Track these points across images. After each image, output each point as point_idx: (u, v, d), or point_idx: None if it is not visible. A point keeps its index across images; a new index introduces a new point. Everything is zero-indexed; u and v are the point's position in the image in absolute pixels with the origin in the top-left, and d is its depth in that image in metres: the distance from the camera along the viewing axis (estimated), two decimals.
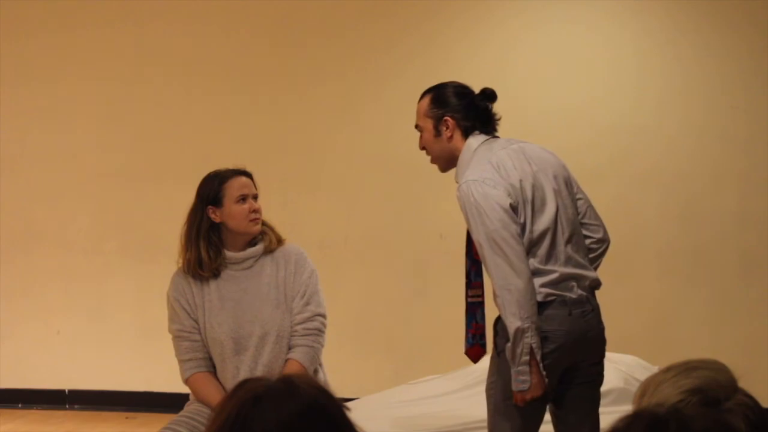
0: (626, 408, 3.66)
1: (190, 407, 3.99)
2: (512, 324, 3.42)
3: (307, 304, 3.96)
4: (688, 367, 1.85)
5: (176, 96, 6.78)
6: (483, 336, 3.73)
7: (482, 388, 5.13)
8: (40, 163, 6.96)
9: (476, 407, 4.85)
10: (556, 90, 6.37)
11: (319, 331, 3.97)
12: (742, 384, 1.76)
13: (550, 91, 6.37)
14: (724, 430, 1.55)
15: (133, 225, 6.82)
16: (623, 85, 6.35)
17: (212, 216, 3.92)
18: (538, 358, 3.44)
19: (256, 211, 3.95)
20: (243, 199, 3.93)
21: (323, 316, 3.99)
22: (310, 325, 3.95)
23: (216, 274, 3.94)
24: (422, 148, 3.74)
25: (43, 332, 6.93)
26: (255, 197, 3.97)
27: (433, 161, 3.76)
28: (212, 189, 3.94)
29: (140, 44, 6.82)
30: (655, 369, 4.13)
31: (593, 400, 3.67)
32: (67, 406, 6.90)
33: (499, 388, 3.58)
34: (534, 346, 3.42)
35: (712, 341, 6.12)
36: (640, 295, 6.31)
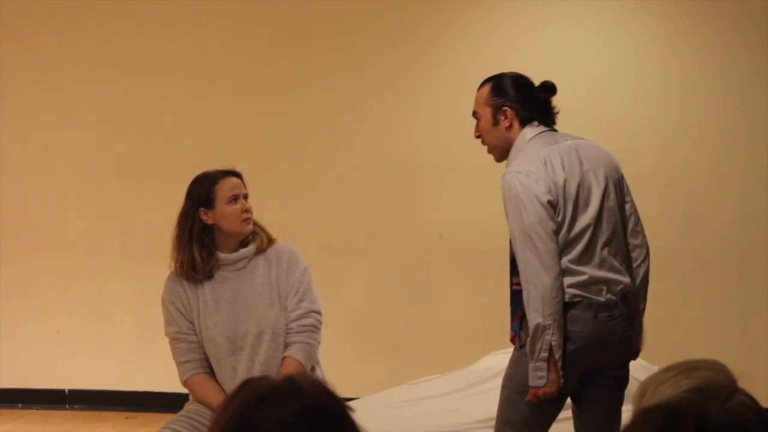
0: (626, 408, 3.65)
1: (190, 407, 4.00)
2: (533, 319, 3.42)
3: (301, 301, 3.96)
4: (687, 367, 1.85)
5: (176, 96, 6.78)
6: None
7: (482, 387, 5.14)
8: (40, 163, 6.96)
9: (476, 407, 4.86)
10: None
11: (315, 328, 3.97)
12: (742, 384, 1.76)
13: None
14: (741, 425, 1.55)
15: (133, 225, 6.82)
16: (623, 85, 6.35)
17: (204, 218, 3.92)
18: (557, 356, 3.42)
19: (248, 210, 3.94)
20: (234, 199, 3.92)
21: (318, 312, 3.99)
22: (304, 321, 3.95)
23: (209, 276, 3.95)
24: (477, 136, 3.72)
25: (43, 332, 6.93)
26: (245, 197, 3.96)
27: (489, 151, 3.73)
28: (203, 191, 3.93)
29: (140, 44, 6.82)
30: (655, 369, 4.14)
31: (615, 402, 3.65)
32: (67, 406, 6.90)
33: (514, 381, 3.57)
34: (554, 344, 3.41)
35: (712, 341, 6.12)
36: None
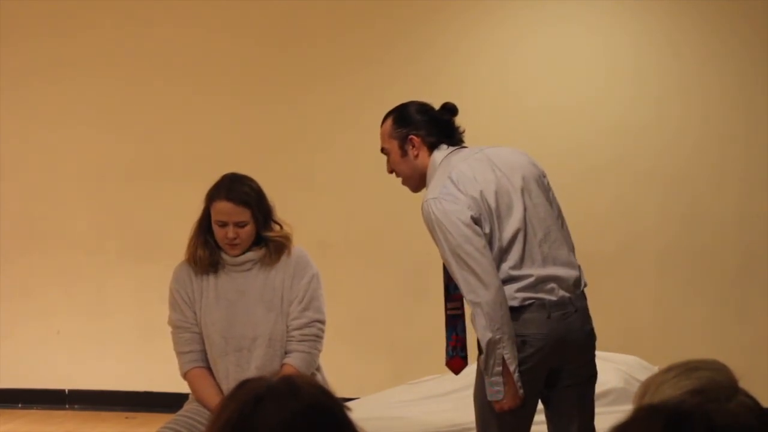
0: (626, 408, 3.65)
1: (189, 406, 3.99)
2: (484, 336, 3.39)
3: (306, 309, 3.94)
4: (688, 368, 1.85)
5: (177, 96, 6.78)
6: (464, 348, 3.71)
7: None
8: (41, 163, 6.96)
9: None
10: (556, 90, 6.36)
11: (317, 338, 3.95)
12: (742, 384, 1.76)
13: (550, 91, 6.36)
14: (746, 427, 1.54)
15: (133, 225, 6.82)
16: (623, 85, 6.35)
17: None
18: (512, 368, 3.39)
19: (233, 238, 3.88)
20: (222, 224, 3.90)
21: (321, 322, 3.96)
22: (307, 331, 3.93)
23: (215, 271, 3.95)
24: (391, 171, 3.70)
25: (43, 332, 6.93)
26: (239, 224, 3.89)
27: (404, 183, 3.72)
28: (209, 198, 3.94)
29: (140, 45, 6.82)
30: (655, 369, 4.13)
31: (583, 400, 3.61)
32: (67, 406, 6.89)
33: (484, 392, 3.54)
34: (506, 356, 3.38)
35: (712, 341, 6.12)
36: (640, 295, 6.31)
